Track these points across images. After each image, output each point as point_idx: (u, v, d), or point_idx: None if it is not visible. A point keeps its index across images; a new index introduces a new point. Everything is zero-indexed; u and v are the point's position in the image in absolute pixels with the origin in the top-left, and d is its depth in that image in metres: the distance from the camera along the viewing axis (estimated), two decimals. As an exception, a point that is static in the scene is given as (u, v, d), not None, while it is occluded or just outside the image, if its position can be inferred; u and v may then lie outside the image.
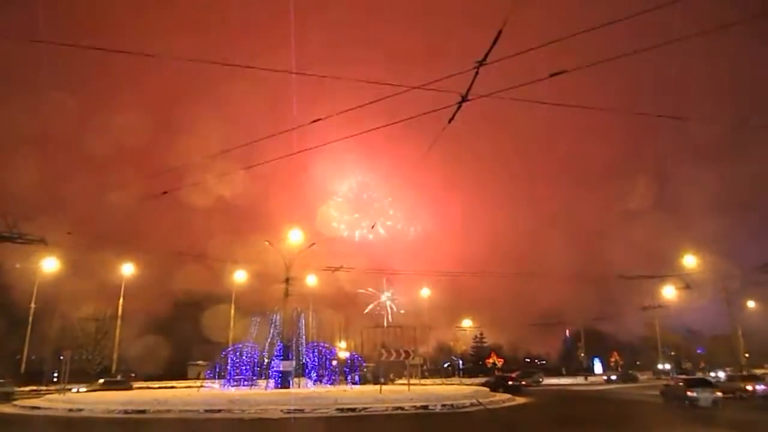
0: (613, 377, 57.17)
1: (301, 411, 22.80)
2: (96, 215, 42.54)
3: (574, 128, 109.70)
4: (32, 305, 43.37)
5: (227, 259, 48.05)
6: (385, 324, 74.96)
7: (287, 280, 36.38)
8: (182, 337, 55.92)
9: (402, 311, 76.29)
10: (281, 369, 34.69)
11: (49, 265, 41.73)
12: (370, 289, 74.61)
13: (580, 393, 41.99)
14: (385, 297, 77.88)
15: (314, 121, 13.82)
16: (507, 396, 31.27)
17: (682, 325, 73.47)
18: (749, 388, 32.35)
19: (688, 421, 20.95)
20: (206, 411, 22.74)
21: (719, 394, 25.54)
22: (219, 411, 22.69)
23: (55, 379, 45.72)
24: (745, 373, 42.56)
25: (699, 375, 46.16)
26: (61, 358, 37.98)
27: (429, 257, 67.95)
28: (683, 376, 35.94)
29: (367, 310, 74.43)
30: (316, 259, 43.93)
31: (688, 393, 25.51)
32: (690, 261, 43.52)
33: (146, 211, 46.50)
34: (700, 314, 58.75)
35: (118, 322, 48.28)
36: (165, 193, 19.46)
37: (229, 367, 36.59)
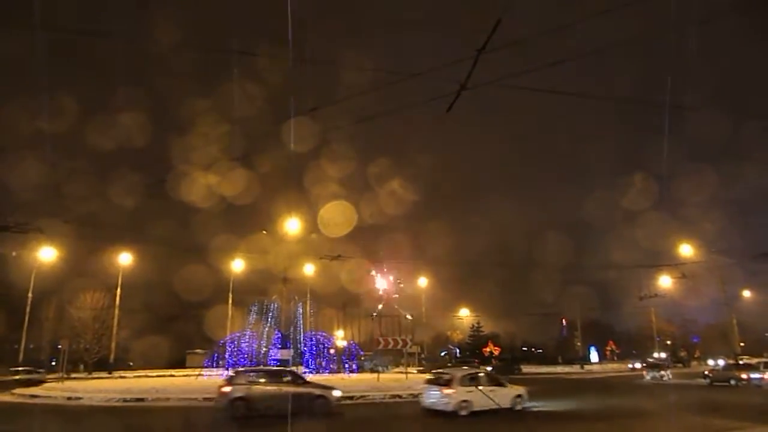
0: (489, 368, 57.70)
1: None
2: (95, 207, 42.47)
3: (575, 120, 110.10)
4: (30, 295, 43.38)
5: (228, 254, 48.08)
6: (384, 314, 75.42)
7: (285, 276, 36.50)
8: (183, 328, 56.00)
9: (401, 310, 76.56)
10: (279, 357, 34.86)
11: (47, 254, 41.65)
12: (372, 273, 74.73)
13: (575, 380, 42.69)
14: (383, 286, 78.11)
15: (312, 110, 13.73)
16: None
17: (678, 315, 74.07)
18: (744, 376, 32.70)
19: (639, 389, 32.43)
20: (205, 399, 22.83)
21: (663, 372, 39.52)
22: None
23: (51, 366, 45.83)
24: (732, 361, 43.18)
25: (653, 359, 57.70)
26: (59, 347, 38.08)
27: (428, 247, 68.09)
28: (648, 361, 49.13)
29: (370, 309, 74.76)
30: (316, 251, 44.02)
31: (643, 373, 40.82)
32: (686, 251, 43.62)
33: (147, 206, 46.58)
34: (696, 304, 59.19)
35: (116, 311, 48.35)
36: (163, 181, 19.43)
37: (227, 356, 36.75)
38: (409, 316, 67.67)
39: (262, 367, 28.27)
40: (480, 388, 18.24)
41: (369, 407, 22.33)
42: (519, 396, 19.22)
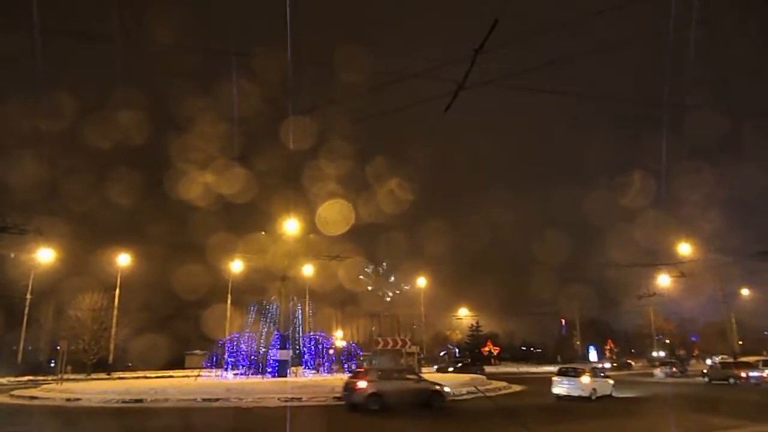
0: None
1: (299, 399, 22.92)
2: (93, 207, 42.37)
3: (574, 119, 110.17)
4: (28, 296, 43.27)
5: (226, 253, 48.03)
6: (383, 313, 75.57)
7: (284, 275, 36.46)
8: (181, 329, 55.90)
9: (398, 293, 76.65)
10: (278, 358, 34.78)
11: (45, 255, 41.52)
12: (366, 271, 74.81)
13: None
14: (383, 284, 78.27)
15: (311, 110, 13.73)
16: (503, 384, 31.53)
17: (677, 313, 74.13)
18: (743, 375, 32.79)
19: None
20: (204, 400, 22.83)
21: (674, 369, 45.19)
22: (216, 400, 22.77)
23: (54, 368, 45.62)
24: (729, 359, 43.34)
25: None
26: (58, 348, 37.99)
27: (427, 247, 68.02)
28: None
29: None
30: (315, 251, 44.05)
31: (653, 371, 46.69)
32: (684, 249, 43.62)
33: (146, 207, 46.44)
34: (695, 302, 59.21)
35: (115, 312, 48.25)
36: (161, 183, 19.41)
37: (226, 357, 36.67)
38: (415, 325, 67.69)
39: (385, 366, 30.38)
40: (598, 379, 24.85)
41: (467, 401, 24.18)
42: (614, 385, 25.44)
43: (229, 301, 51.33)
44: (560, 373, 25.22)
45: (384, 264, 77.97)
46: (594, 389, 23.41)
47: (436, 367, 54.67)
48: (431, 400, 20.33)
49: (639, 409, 22.12)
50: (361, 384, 19.84)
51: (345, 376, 35.18)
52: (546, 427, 16.56)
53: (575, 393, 23.30)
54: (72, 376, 39.93)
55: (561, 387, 24.00)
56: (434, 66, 12.06)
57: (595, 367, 26.96)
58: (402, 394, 19.89)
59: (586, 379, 23.72)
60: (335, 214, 45.41)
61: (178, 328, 55.58)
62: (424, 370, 37.59)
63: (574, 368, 25.49)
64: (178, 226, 51.24)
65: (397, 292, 77.73)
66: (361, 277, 74.26)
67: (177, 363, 54.71)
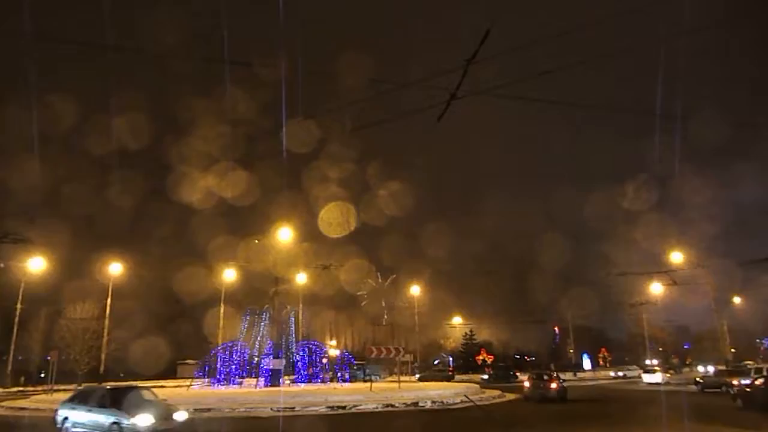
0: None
1: (292, 409, 22.77)
2: (90, 215, 42.26)
3: (571, 125, 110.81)
4: (18, 305, 42.78)
5: (221, 259, 47.85)
6: (382, 321, 75.45)
7: (276, 286, 36.38)
8: (174, 338, 55.47)
9: (394, 306, 76.51)
10: (271, 367, 34.55)
11: (36, 264, 41.07)
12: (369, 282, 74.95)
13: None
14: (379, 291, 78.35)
15: (308, 118, 13.74)
16: (497, 392, 31.44)
17: (671, 321, 74.35)
18: (735, 382, 32.85)
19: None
20: (195, 410, 22.59)
21: (667, 375, 50.80)
22: (209, 410, 22.57)
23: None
24: (724, 367, 43.37)
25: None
26: (48, 358, 37.56)
27: (421, 256, 68.03)
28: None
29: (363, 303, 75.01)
30: (312, 257, 44.05)
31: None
32: (677, 257, 43.75)
33: (143, 211, 46.35)
34: (689, 310, 59.42)
35: (106, 322, 47.79)
36: (158, 191, 19.30)
37: (218, 366, 36.39)
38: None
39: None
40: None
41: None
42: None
43: (222, 312, 50.91)
44: (645, 371, 45.57)
45: (382, 271, 77.97)
46: (664, 379, 42.28)
47: (417, 376, 54.39)
48: (566, 395, 27.72)
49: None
50: (554, 385, 27.58)
51: (339, 386, 35.14)
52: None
53: (654, 381, 41.50)
54: (62, 387, 39.52)
55: (647, 379, 42.79)
56: (428, 76, 12.12)
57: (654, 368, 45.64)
58: (561, 391, 27.42)
59: (659, 374, 43.32)
60: (335, 216, 45.61)
61: (173, 332, 55.16)
62: (404, 378, 37.33)
63: (651, 367, 46.79)
64: (177, 230, 51.09)
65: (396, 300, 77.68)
66: (360, 284, 74.16)
67: (169, 373, 54.25)
